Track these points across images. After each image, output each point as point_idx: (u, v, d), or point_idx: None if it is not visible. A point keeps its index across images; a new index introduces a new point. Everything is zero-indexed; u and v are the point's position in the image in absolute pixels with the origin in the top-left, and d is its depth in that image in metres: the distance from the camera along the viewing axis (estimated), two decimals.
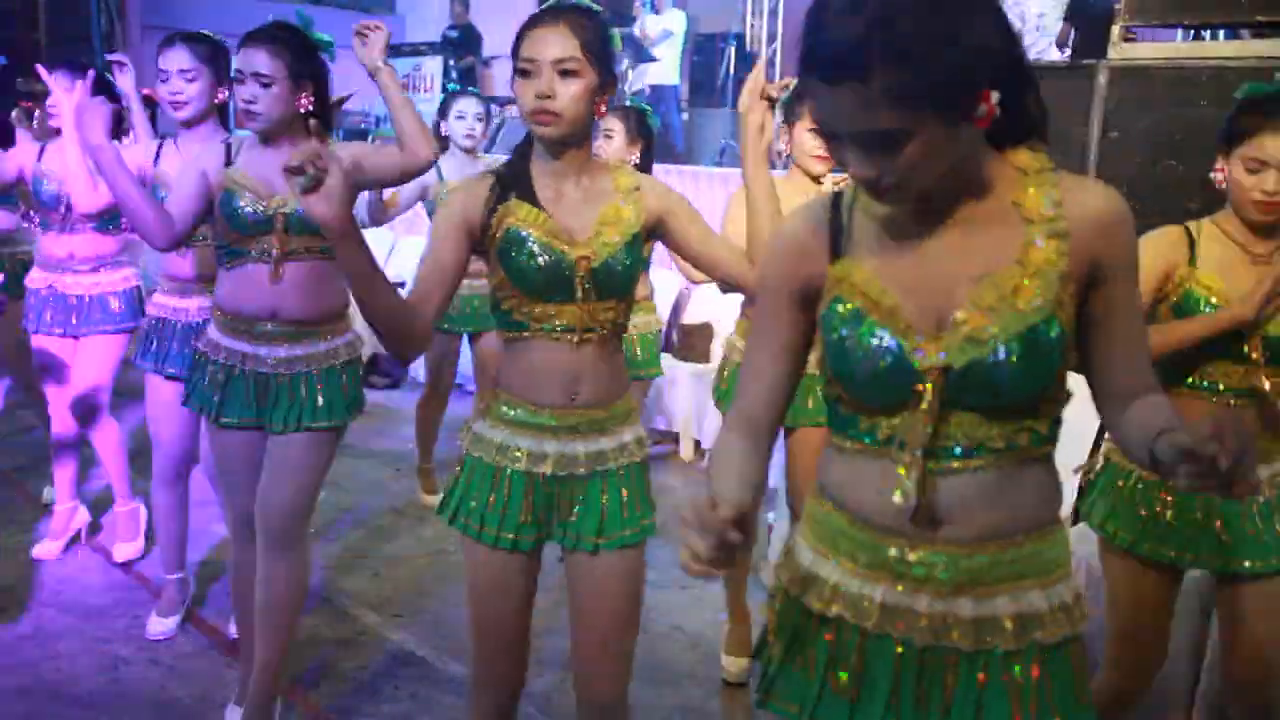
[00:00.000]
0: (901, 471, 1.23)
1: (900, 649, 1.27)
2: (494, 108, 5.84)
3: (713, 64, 8.80)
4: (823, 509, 1.35)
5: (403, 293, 1.76)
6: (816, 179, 2.84)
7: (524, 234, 1.82)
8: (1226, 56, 3.01)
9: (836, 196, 1.33)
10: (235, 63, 2.40)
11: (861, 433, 1.29)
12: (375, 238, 3.15)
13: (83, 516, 3.87)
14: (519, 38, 1.81)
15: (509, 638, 1.99)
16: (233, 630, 3.11)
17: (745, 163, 1.87)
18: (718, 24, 9.22)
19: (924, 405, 1.21)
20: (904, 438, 1.24)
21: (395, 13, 12.25)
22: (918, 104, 1.09)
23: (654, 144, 3.66)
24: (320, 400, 2.49)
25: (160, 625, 3.18)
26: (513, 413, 1.90)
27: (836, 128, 1.15)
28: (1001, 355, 1.18)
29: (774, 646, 1.38)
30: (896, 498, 1.22)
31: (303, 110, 2.43)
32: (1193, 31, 3.74)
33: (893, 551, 1.26)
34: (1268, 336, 2.07)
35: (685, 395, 5.20)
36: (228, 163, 2.48)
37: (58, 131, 3.52)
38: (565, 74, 1.76)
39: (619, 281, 1.86)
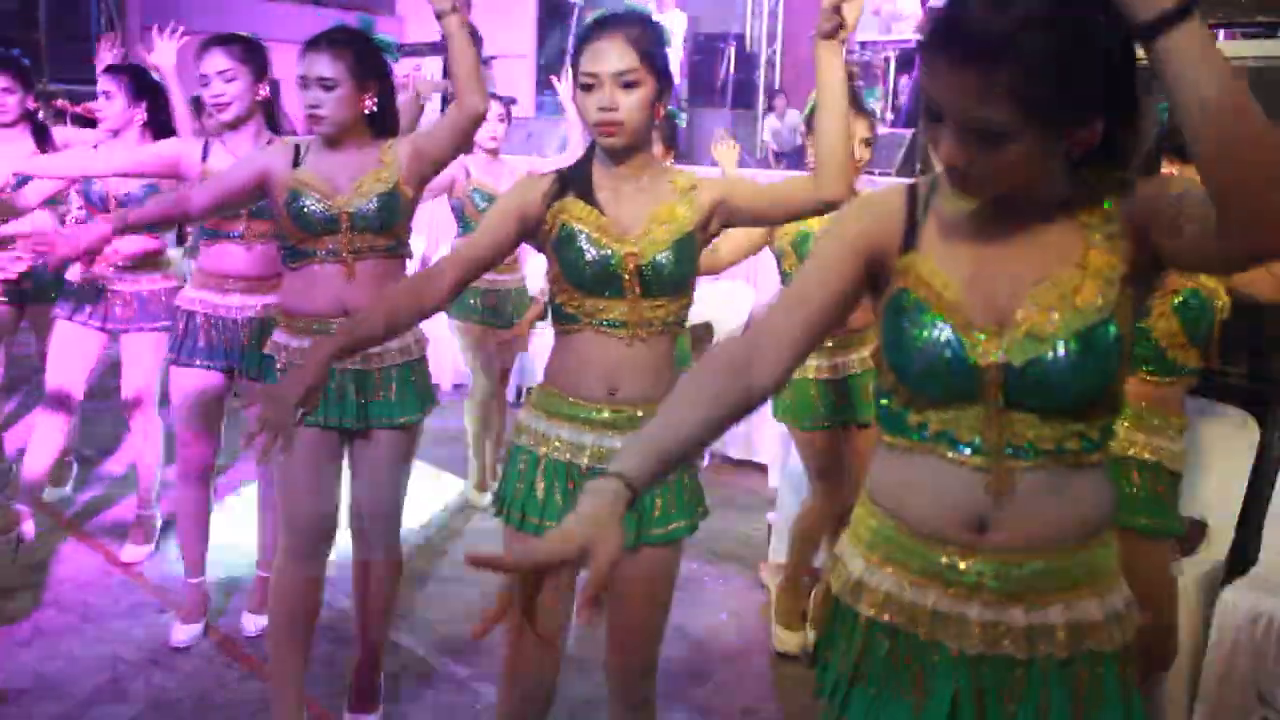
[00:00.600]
0: (975, 463, 1.23)
1: (956, 656, 1.27)
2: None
3: (713, 64, 8.79)
4: (871, 516, 1.35)
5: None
6: None
7: (577, 230, 1.89)
8: (1226, 57, 3.01)
9: (911, 189, 1.33)
10: (298, 68, 2.39)
11: (910, 429, 1.29)
12: None
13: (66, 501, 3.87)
14: (578, 50, 1.87)
15: (549, 648, 1.97)
16: (245, 630, 3.18)
17: (822, 57, 1.84)
18: (718, 24, 9.22)
19: (992, 401, 1.21)
20: (956, 434, 1.24)
21: (395, 13, 12.26)
22: (1033, 108, 1.10)
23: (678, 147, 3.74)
24: (400, 396, 2.54)
25: (184, 633, 3.13)
26: (554, 403, 1.95)
27: (945, 109, 1.15)
28: (1060, 354, 1.19)
29: (838, 659, 1.36)
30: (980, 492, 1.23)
31: (367, 112, 2.44)
32: None
33: (943, 559, 1.26)
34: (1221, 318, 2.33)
35: None
36: (296, 165, 2.47)
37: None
38: (627, 85, 1.82)
39: (668, 279, 1.90)
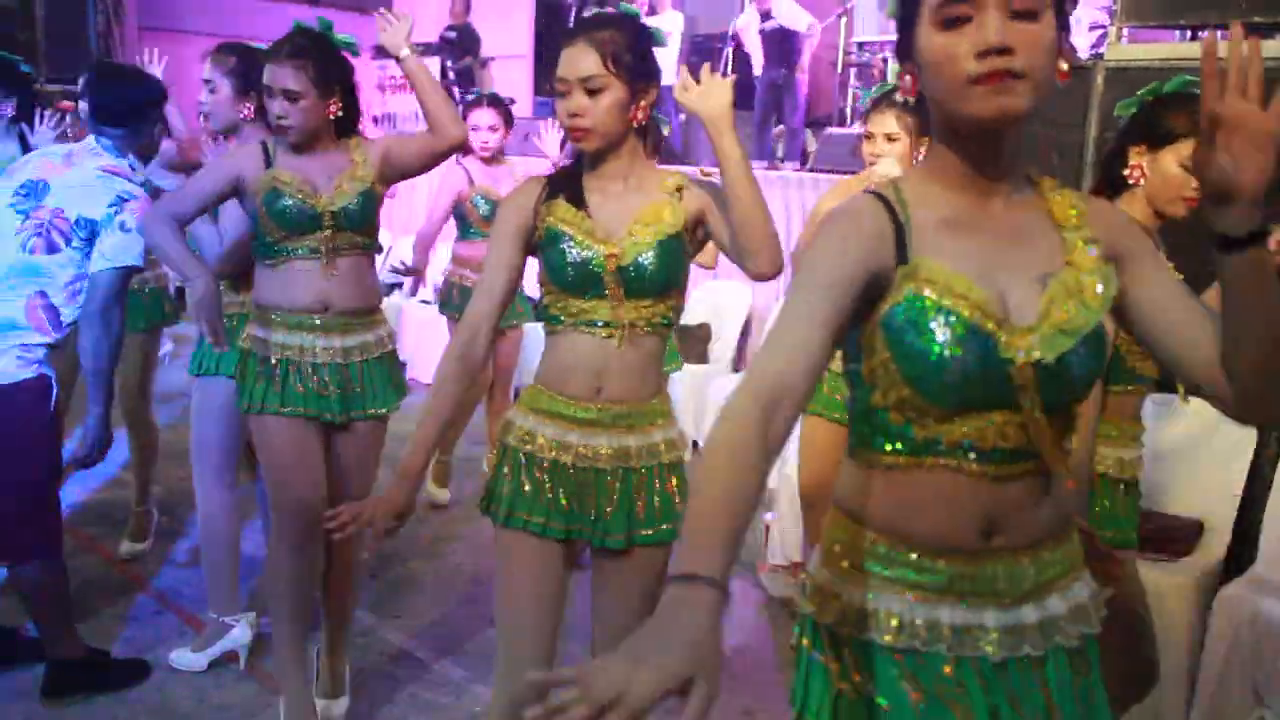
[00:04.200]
0: (990, 471, 1.22)
1: (978, 667, 1.25)
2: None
3: (710, 65, 8.79)
4: (859, 538, 1.29)
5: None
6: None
7: (561, 231, 1.91)
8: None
9: (883, 200, 1.26)
10: (264, 76, 2.45)
11: (917, 445, 1.23)
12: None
13: None
14: (557, 55, 1.90)
15: (536, 630, 1.98)
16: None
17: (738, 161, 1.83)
18: (715, 24, 9.21)
19: (1026, 401, 1.19)
20: (977, 443, 1.21)
21: (391, 12, 12.25)
22: None
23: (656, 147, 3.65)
24: (378, 387, 2.62)
25: (185, 658, 3.05)
26: (542, 401, 1.96)
27: None
28: (1082, 350, 1.20)
29: (829, 692, 1.30)
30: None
31: (333, 117, 2.50)
32: (1189, 32, 3.75)
33: (952, 570, 1.24)
34: None
35: (684, 395, 5.20)
36: (268, 164, 2.52)
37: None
38: (592, 91, 1.84)
39: (650, 281, 1.89)
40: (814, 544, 3.19)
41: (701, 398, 5.19)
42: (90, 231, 2.67)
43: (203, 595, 3.22)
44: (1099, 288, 1.21)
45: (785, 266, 1.88)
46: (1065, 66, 1.19)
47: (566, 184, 1.95)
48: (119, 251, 2.68)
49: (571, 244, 1.89)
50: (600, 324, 1.91)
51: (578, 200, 1.92)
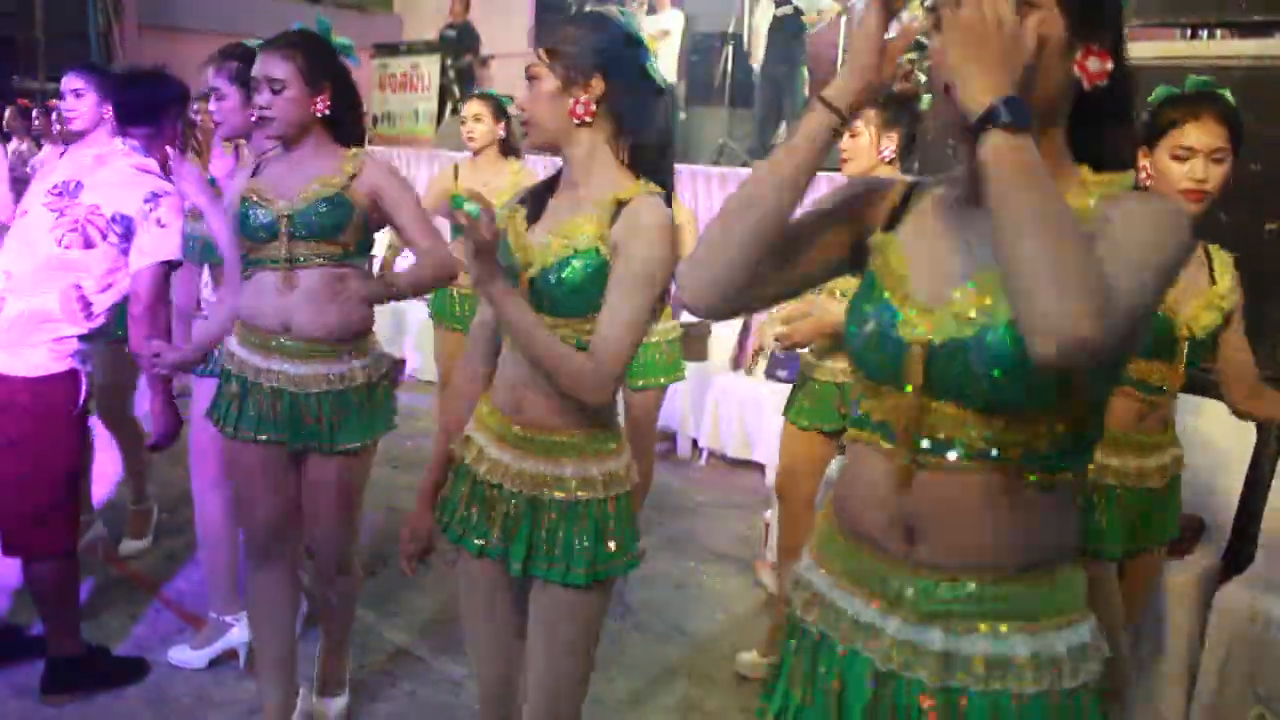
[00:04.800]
0: (900, 456, 1.17)
1: (874, 669, 1.20)
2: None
3: (710, 63, 8.77)
4: (824, 516, 1.33)
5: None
6: None
7: (505, 235, 1.80)
8: (1223, 56, 3.01)
9: (916, 183, 1.32)
10: (253, 70, 2.37)
11: (860, 418, 1.25)
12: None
13: None
14: None
15: (490, 649, 1.93)
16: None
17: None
18: (715, 23, 9.20)
19: (909, 379, 1.16)
20: (890, 422, 1.19)
21: (393, 11, 12.26)
22: None
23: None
24: (336, 423, 2.42)
25: (185, 655, 3.06)
26: (482, 410, 1.86)
27: None
28: (986, 340, 1.11)
29: (791, 671, 1.31)
30: (888, 479, 1.18)
31: (319, 114, 2.35)
32: (1189, 30, 3.75)
33: (869, 565, 1.23)
34: (1193, 339, 2.19)
35: (683, 394, 5.20)
36: (255, 174, 2.46)
37: (71, 135, 3.52)
38: (529, 79, 1.76)
39: (552, 298, 1.72)
40: (783, 538, 3.17)
41: (701, 396, 5.19)
42: (126, 228, 2.71)
43: (203, 593, 3.22)
44: None
45: (601, 395, 1.70)
46: (1095, 67, 1.13)
47: (538, 187, 1.86)
48: (157, 247, 2.72)
49: (502, 250, 1.76)
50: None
51: (533, 206, 1.81)
